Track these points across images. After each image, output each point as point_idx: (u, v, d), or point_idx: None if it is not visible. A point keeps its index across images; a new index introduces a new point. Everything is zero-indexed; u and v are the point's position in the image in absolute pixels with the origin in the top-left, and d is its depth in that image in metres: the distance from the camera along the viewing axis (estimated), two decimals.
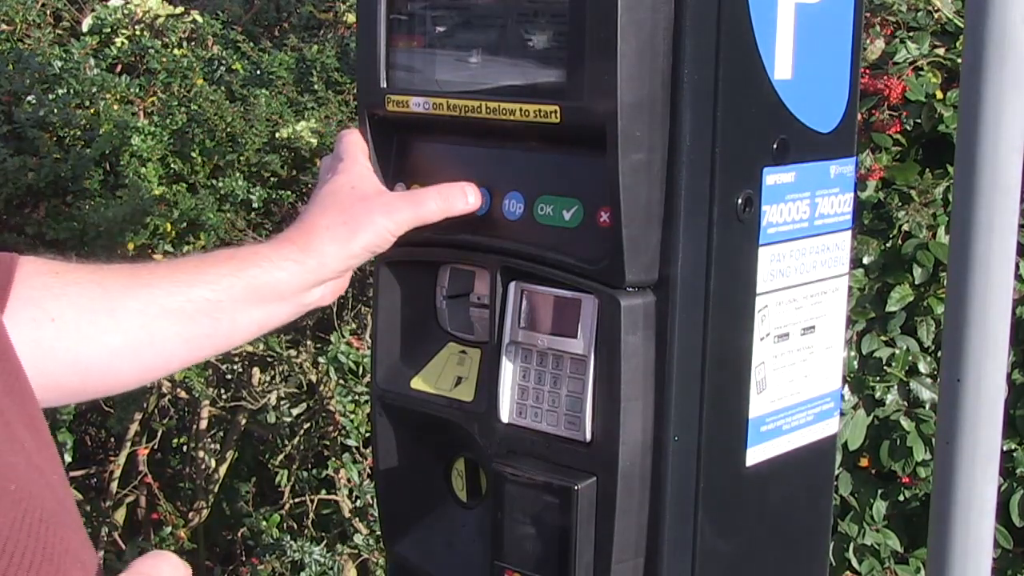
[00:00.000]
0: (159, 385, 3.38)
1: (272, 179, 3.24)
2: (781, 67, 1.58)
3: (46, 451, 1.05)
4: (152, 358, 1.43)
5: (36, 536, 0.95)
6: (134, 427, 3.64)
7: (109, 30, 3.51)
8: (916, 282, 3.07)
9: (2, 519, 0.93)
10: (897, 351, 3.06)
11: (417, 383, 1.74)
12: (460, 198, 1.59)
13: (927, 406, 3.02)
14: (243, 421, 3.60)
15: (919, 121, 3.13)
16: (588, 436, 1.56)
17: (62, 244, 3.16)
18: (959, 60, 2.79)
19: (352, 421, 3.21)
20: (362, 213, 1.54)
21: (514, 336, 1.62)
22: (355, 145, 1.65)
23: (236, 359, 3.42)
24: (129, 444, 3.69)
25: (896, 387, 3.06)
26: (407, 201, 1.58)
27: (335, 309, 3.24)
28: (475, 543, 1.73)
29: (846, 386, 3.05)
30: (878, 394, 3.05)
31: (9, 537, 0.92)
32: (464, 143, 1.67)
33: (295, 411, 3.43)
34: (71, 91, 3.28)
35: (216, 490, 3.70)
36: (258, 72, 3.37)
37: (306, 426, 3.49)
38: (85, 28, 3.52)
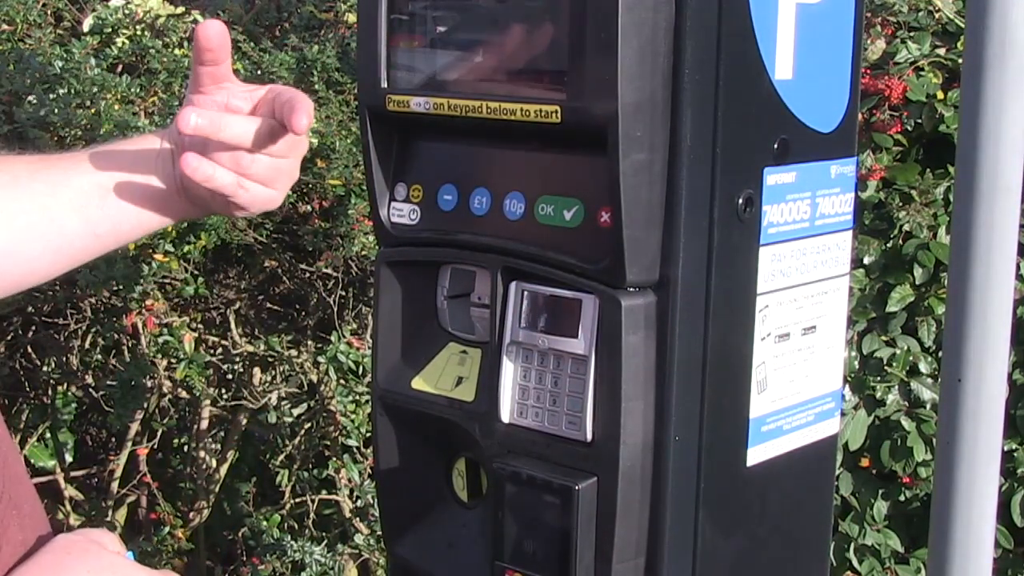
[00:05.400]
0: (159, 385, 3.38)
1: None
2: (782, 67, 1.58)
3: None
4: (57, 239, 1.46)
5: None
6: (135, 427, 3.64)
7: (110, 30, 3.50)
8: (917, 282, 3.07)
9: None
10: (898, 351, 3.06)
11: (418, 383, 1.74)
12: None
13: (928, 406, 3.01)
14: (244, 421, 3.60)
15: (920, 121, 3.12)
16: (589, 436, 1.56)
17: None
18: (960, 60, 2.80)
19: (353, 421, 3.21)
20: None
21: (515, 336, 1.62)
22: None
23: (237, 359, 3.42)
24: (130, 444, 3.69)
25: (897, 387, 3.06)
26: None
27: (335, 309, 3.23)
28: (475, 543, 1.73)
29: (847, 386, 3.05)
30: (879, 394, 3.05)
31: None
32: (465, 143, 1.67)
33: (296, 411, 3.42)
34: (72, 91, 3.27)
35: (217, 490, 3.70)
36: (259, 72, 3.36)
37: (307, 426, 3.48)
38: (86, 28, 3.51)
